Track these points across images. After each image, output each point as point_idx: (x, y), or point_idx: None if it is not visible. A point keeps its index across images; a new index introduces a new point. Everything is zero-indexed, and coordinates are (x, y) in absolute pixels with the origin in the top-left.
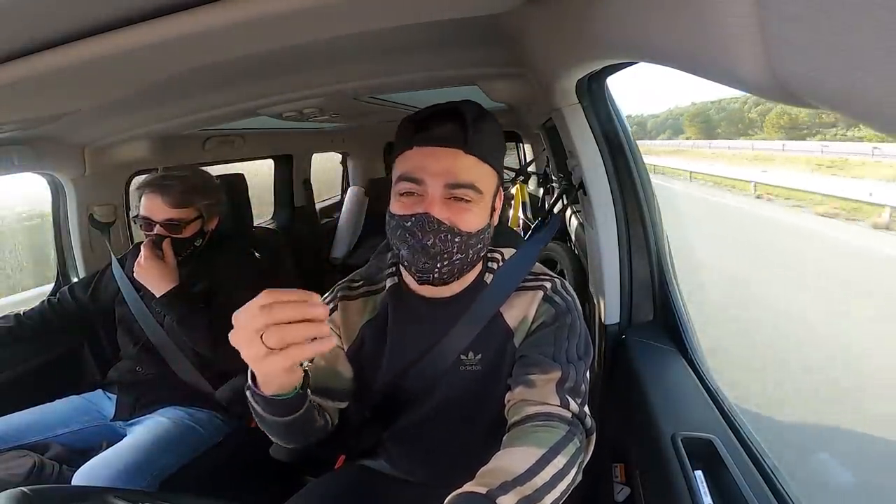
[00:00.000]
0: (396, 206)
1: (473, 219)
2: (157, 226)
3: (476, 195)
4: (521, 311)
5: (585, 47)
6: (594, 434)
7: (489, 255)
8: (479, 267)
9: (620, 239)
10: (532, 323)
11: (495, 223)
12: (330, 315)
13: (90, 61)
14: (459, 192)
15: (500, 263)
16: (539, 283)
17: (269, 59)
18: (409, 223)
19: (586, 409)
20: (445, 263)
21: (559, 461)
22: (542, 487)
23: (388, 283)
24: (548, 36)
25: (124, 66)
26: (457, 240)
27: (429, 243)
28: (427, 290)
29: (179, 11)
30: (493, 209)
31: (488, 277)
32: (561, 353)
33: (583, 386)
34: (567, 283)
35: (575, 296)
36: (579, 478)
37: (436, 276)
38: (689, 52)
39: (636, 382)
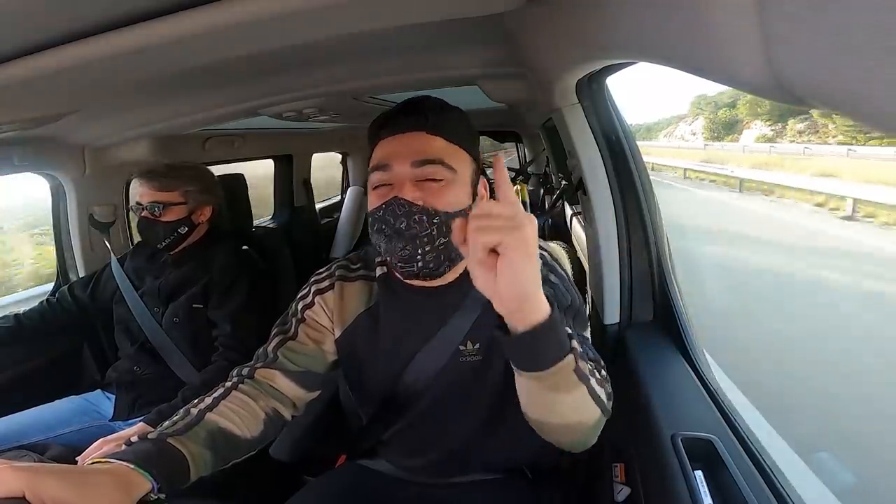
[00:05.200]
0: (371, 202)
1: (450, 197)
2: (144, 210)
3: (448, 173)
4: None
5: (585, 47)
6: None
7: None
8: None
9: (620, 239)
10: None
11: None
12: (324, 294)
13: (90, 61)
14: (429, 168)
15: None
16: None
17: (269, 59)
18: (382, 211)
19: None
20: (427, 249)
21: (600, 371)
22: (591, 371)
23: (378, 272)
24: (548, 36)
25: (124, 66)
26: (435, 220)
27: (402, 226)
28: (417, 281)
29: (179, 11)
30: (474, 193)
31: None
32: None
33: (598, 356)
34: (558, 257)
35: (567, 268)
36: (603, 420)
37: (420, 264)
38: (689, 53)
39: (636, 382)
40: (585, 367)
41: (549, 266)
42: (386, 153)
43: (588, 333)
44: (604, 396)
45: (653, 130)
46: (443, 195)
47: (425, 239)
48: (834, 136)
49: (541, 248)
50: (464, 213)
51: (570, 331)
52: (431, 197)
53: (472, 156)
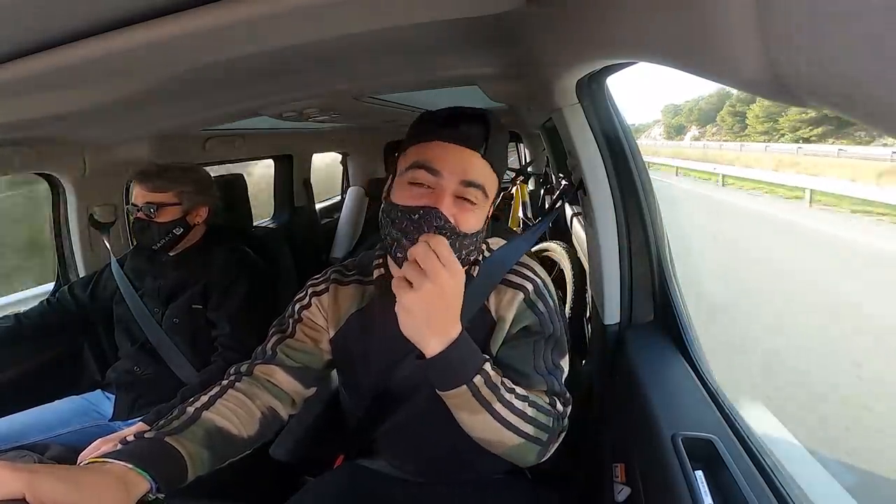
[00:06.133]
0: (403, 196)
1: (474, 221)
2: (139, 211)
3: (483, 198)
4: (502, 308)
5: (585, 47)
6: (562, 434)
7: None
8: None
9: (620, 239)
10: (512, 325)
11: (486, 224)
12: (320, 296)
13: (90, 61)
14: (471, 191)
15: (485, 254)
16: (521, 282)
17: (269, 59)
18: (417, 216)
19: (568, 409)
20: None
21: (531, 410)
22: (507, 404)
23: (376, 273)
24: (548, 36)
25: (124, 66)
26: (453, 237)
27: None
28: None
29: (179, 11)
30: (488, 215)
31: (475, 270)
32: (545, 363)
33: (564, 389)
34: (549, 283)
35: (555, 295)
36: (534, 448)
37: None
38: (689, 52)
39: (636, 382)
40: (494, 396)
41: (539, 294)
42: (439, 157)
43: (566, 361)
44: (527, 428)
45: (638, 131)
46: (471, 218)
47: None
48: (724, 136)
49: (535, 274)
50: (478, 234)
51: (490, 369)
52: (461, 216)
53: (500, 181)
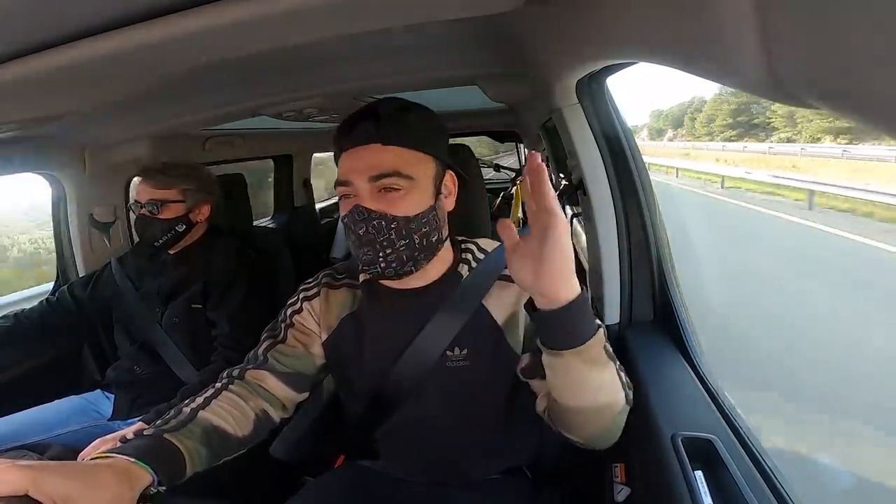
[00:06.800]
0: (341, 210)
1: (407, 204)
2: (143, 207)
3: (406, 182)
4: (508, 306)
5: (585, 47)
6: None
7: (463, 245)
8: (449, 257)
9: (620, 239)
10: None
11: (450, 207)
12: (311, 301)
13: (90, 61)
14: (385, 181)
15: (476, 254)
16: None
17: (269, 59)
18: (346, 219)
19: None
20: (389, 252)
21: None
22: (614, 358)
23: (362, 277)
24: (548, 36)
25: (124, 66)
26: (393, 226)
27: (361, 232)
28: (396, 283)
29: (179, 11)
30: (438, 192)
31: (463, 268)
32: None
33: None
34: None
35: None
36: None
37: (382, 265)
38: (688, 53)
39: (636, 382)
40: (609, 347)
41: None
42: (346, 169)
43: None
44: (627, 381)
45: (634, 132)
46: (401, 203)
47: (385, 243)
48: (687, 138)
49: None
50: (426, 214)
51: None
52: (390, 206)
53: (434, 155)
